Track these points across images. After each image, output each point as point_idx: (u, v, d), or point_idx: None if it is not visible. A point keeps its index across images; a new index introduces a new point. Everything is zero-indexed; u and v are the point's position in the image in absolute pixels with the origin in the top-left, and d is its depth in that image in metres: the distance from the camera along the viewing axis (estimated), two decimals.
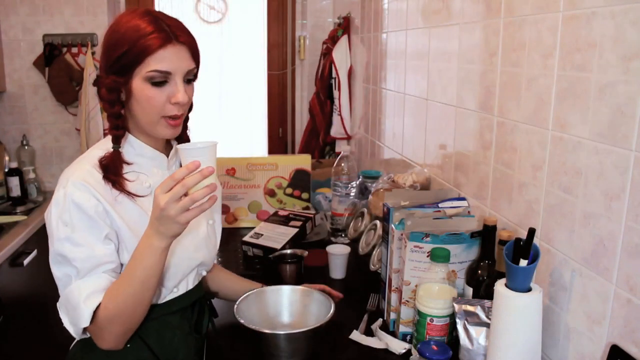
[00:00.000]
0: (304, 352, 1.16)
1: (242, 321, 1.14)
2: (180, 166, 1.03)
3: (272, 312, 1.28)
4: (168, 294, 1.12)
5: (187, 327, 1.16)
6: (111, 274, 1.02)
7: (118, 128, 1.06)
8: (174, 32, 1.01)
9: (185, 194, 0.93)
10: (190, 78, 1.06)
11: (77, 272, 1.00)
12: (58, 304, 1.05)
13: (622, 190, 0.84)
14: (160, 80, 1.01)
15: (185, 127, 1.16)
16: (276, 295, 1.30)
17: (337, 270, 1.61)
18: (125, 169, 1.07)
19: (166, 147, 1.16)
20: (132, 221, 1.05)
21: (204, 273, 1.23)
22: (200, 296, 1.21)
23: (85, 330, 1.02)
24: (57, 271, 1.02)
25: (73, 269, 1.00)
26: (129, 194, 1.05)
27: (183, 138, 1.16)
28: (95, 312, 0.99)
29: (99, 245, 1.01)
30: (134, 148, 1.10)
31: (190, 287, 1.17)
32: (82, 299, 0.99)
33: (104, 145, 1.09)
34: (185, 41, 1.03)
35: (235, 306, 1.20)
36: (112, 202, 1.03)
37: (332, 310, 1.19)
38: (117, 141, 1.06)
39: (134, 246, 1.02)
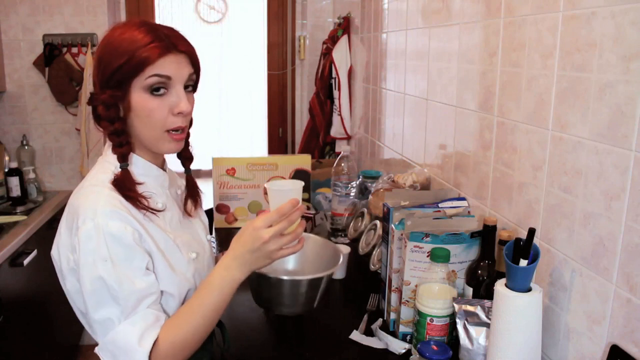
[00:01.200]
0: (305, 300, 1.16)
1: None
2: (268, 203, 1.06)
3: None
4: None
5: (210, 342, 1.14)
6: (155, 307, 0.97)
7: (122, 145, 1.00)
8: (172, 42, 0.98)
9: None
10: (189, 84, 1.02)
11: (122, 312, 0.93)
12: (98, 349, 0.97)
13: (622, 190, 0.85)
14: (160, 87, 0.97)
15: (187, 144, 1.13)
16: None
17: (337, 270, 1.60)
18: (139, 188, 1.02)
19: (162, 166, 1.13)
20: (159, 241, 1.01)
21: None
22: None
23: None
24: (96, 314, 0.93)
25: (116, 308, 0.93)
26: (153, 211, 1.01)
27: (184, 155, 1.14)
28: (150, 352, 0.93)
29: (140, 278, 0.94)
30: (139, 167, 1.04)
31: None
32: (135, 340, 0.92)
33: (107, 167, 1.03)
34: (185, 50, 0.99)
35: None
36: (143, 222, 0.98)
37: (341, 261, 1.20)
38: (124, 159, 1.01)
39: (161, 268, 0.99)
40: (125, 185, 0.98)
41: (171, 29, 1.01)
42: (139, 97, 0.97)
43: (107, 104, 0.97)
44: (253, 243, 0.96)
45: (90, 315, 0.94)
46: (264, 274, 1.13)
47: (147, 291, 0.95)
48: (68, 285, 0.99)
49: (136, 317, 0.93)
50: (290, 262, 1.31)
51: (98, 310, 0.93)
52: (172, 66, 0.97)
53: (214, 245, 1.87)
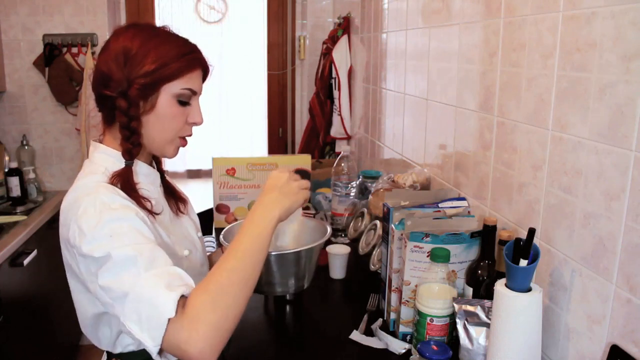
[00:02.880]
0: (294, 275, 1.16)
1: (226, 245, 1.15)
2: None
3: None
4: None
5: None
6: (177, 268, 0.88)
7: (134, 144, 1.01)
8: (202, 58, 1.05)
9: None
10: None
11: (140, 264, 0.84)
12: (123, 318, 0.83)
13: (622, 190, 0.85)
14: (186, 100, 1.03)
15: None
16: None
17: (337, 270, 1.61)
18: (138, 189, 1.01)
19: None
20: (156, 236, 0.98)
21: None
22: None
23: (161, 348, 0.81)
24: (117, 280, 0.84)
25: (134, 268, 0.84)
26: (153, 213, 1.01)
27: (157, 159, 1.16)
28: (183, 301, 0.82)
29: (151, 243, 0.89)
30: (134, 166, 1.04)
31: None
32: (159, 288, 0.82)
33: (95, 169, 1.01)
34: (206, 67, 1.07)
35: (222, 234, 1.21)
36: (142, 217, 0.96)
37: (328, 232, 1.21)
38: (131, 157, 1.01)
39: None
40: (128, 183, 0.98)
41: (191, 42, 1.07)
42: (166, 102, 1.00)
43: (132, 99, 0.98)
44: (278, 181, 1.00)
45: (105, 283, 0.85)
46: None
47: (161, 251, 0.89)
48: (98, 282, 0.88)
49: (159, 271, 0.84)
50: (279, 239, 1.31)
51: (114, 275, 0.84)
52: (198, 81, 1.05)
53: (213, 244, 1.87)
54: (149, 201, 1.01)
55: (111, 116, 1.03)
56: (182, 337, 0.79)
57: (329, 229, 1.26)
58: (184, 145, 1.08)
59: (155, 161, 1.16)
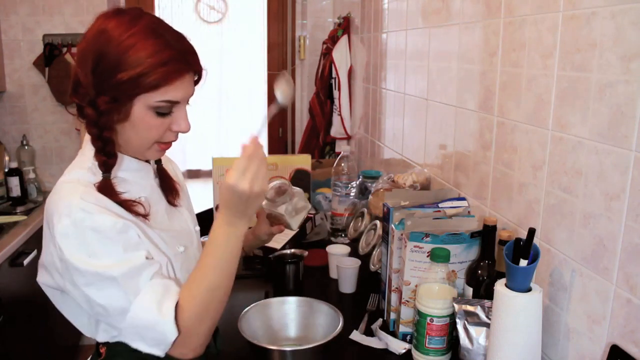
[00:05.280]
0: None
1: (245, 336, 1.11)
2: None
3: (276, 325, 1.25)
4: None
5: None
6: (159, 277, 0.92)
7: (110, 156, 0.93)
8: (189, 60, 0.93)
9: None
10: None
11: (126, 293, 0.88)
12: (123, 337, 0.93)
13: (622, 190, 0.84)
14: (165, 112, 0.93)
15: None
16: (281, 307, 1.26)
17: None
18: (123, 188, 0.96)
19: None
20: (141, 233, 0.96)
21: None
22: None
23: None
24: (101, 299, 0.88)
25: (119, 292, 0.88)
26: (140, 215, 0.96)
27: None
28: (176, 318, 0.90)
29: (132, 255, 0.90)
30: (120, 163, 0.98)
31: None
32: (155, 313, 0.89)
33: (83, 163, 0.97)
34: (198, 70, 0.96)
35: (239, 321, 1.16)
36: (124, 215, 0.93)
37: (340, 324, 1.15)
38: (107, 169, 0.94)
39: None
40: (111, 197, 0.93)
41: (183, 38, 0.94)
42: (140, 113, 0.91)
43: (102, 111, 0.89)
44: (238, 197, 0.91)
45: (96, 300, 0.88)
46: (265, 346, 1.11)
47: (143, 265, 0.90)
48: (68, 285, 0.92)
49: (144, 293, 0.89)
50: (292, 330, 1.26)
51: (102, 297, 0.88)
52: (182, 89, 0.93)
53: None
54: (141, 204, 0.96)
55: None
56: (180, 349, 0.93)
57: (340, 319, 1.17)
58: (165, 149, 1.00)
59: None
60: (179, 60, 0.90)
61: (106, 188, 0.93)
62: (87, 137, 1.00)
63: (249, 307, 1.23)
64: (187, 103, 0.98)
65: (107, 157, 0.93)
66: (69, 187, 0.93)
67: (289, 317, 1.27)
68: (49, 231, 0.92)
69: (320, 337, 1.16)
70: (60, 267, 0.91)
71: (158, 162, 1.12)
